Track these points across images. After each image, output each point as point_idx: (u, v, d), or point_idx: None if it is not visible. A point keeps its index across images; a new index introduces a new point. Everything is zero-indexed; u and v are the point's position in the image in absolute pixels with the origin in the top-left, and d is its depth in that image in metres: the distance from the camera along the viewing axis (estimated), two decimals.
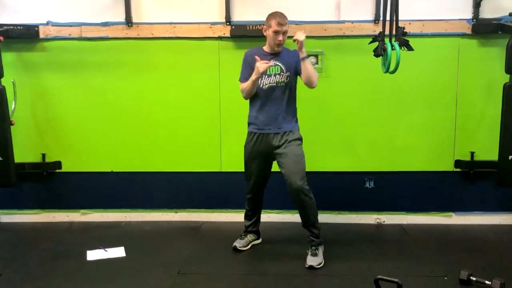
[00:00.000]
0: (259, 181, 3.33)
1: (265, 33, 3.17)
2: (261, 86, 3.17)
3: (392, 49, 2.89)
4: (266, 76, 3.15)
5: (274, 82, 3.14)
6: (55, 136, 3.93)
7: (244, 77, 3.21)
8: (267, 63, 3.06)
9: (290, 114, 3.19)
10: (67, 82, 3.86)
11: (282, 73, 3.14)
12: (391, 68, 2.91)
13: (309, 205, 3.11)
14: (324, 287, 2.85)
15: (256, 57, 3.08)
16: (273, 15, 3.13)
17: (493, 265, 3.11)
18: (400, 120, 3.85)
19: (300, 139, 3.21)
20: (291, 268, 3.08)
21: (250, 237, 3.46)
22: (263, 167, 3.28)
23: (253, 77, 3.07)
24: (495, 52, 3.68)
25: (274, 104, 3.16)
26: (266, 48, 3.20)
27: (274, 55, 3.17)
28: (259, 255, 3.35)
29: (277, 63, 3.15)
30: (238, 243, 3.41)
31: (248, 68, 3.18)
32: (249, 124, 3.29)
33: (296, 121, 3.25)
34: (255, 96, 3.21)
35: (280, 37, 3.07)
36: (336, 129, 3.85)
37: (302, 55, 3.03)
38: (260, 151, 3.22)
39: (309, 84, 3.12)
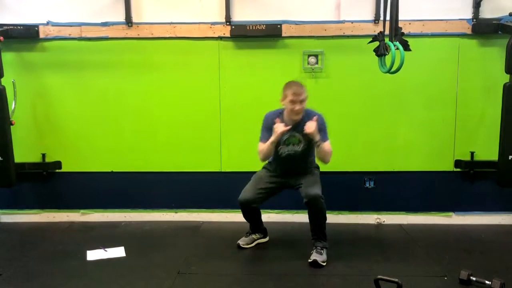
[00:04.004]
0: (257, 195, 3.26)
1: (281, 103, 3.15)
2: (280, 153, 3.22)
3: (396, 49, 2.89)
4: (285, 146, 3.20)
5: (292, 151, 3.19)
6: (55, 136, 3.93)
7: (264, 139, 3.20)
8: (285, 126, 3.09)
9: (308, 163, 3.31)
10: (67, 82, 3.86)
11: (300, 144, 3.19)
12: (394, 68, 2.91)
13: (322, 213, 3.16)
14: (324, 287, 2.85)
15: (277, 119, 3.12)
16: (289, 85, 3.14)
17: (493, 265, 3.11)
18: (400, 120, 3.85)
19: (317, 166, 3.38)
20: (291, 268, 3.08)
21: (254, 235, 3.48)
22: (272, 184, 3.29)
23: (272, 138, 3.10)
24: (495, 52, 3.68)
25: (293, 165, 3.25)
26: (286, 115, 3.18)
27: (293, 124, 3.15)
28: (259, 255, 3.35)
29: (296, 134, 3.16)
30: (241, 241, 3.43)
31: (268, 131, 3.18)
32: (270, 164, 3.36)
33: (314, 162, 3.36)
34: (276, 159, 3.28)
35: (298, 106, 3.07)
36: (336, 129, 3.83)
37: (316, 141, 3.07)
38: (277, 177, 3.31)
39: (322, 162, 3.23)
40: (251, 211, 3.35)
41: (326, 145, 3.13)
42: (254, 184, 3.30)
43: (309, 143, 3.18)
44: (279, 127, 3.07)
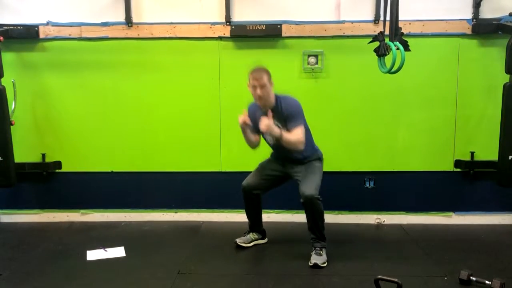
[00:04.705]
0: (258, 180, 3.31)
1: (248, 89, 3.13)
2: (268, 142, 3.24)
3: (396, 49, 2.89)
4: (268, 135, 3.16)
5: (275, 139, 3.14)
6: (55, 136, 3.93)
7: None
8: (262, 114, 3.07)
9: (305, 152, 3.19)
10: (67, 82, 3.86)
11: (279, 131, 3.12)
12: (395, 68, 2.91)
13: (319, 213, 3.13)
14: (324, 287, 2.85)
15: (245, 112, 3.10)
16: (251, 70, 3.12)
17: (493, 265, 3.11)
18: (400, 120, 3.85)
19: (318, 158, 3.29)
20: (291, 268, 3.08)
21: (252, 235, 3.47)
22: (274, 171, 3.31)
23: (241, 130, 3.12)
24: (495, 52, 3.68)
25: (286, 153, 3.20)
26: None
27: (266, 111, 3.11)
28: (259, 255, 3.35)
29: (274, 121, 3.09)
30: (239, 239, 3.42)
31: (252, 121, 3.14)
32: (271, 154, 3.39)
33: (313, 147, 3.27)
34: (269, 145, 3.28)
35: (258, 91, 3.02)
36: (336, 129, 3.85)
37: (276, 136, 3.02)
38: (280, 164, 3.31)
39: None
40: (253, 200, 3.35)
41: (291, 135, 3.01)
42: (257, 171, 3.35)
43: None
44: (240, 118, 3.04)
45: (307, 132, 3.17)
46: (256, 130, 3.19)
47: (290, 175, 3.27)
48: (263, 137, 3.26)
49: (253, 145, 3.27)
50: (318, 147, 3.33)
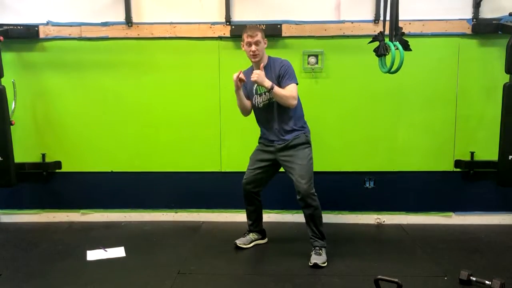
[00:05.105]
0: (253, 176, 3.31)
1: (243, 49, 3.16)
2: (257, 105, 3.22)
3: (396, 49, 2.89)
4: (258, 96, 3.18)
5: (266, 100, 3.16)
6: (55, 136, 3.93)
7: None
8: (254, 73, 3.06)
9: (293, 123, 3.17)
10: (67, 82, 3.86)
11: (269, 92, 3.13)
12: (394, 68, 2.91)
13: (318, 214, 3.14)
14: (324, 286, 2.85)
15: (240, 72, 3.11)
16: (245, 28, 3.18)
17: (493, 265, 3.11)
18: (400, 120, 3.85)
19: (307, 142, 3.21)
20: (291, 268, 3.08)
21: (252, 236, 3.47)
22: (263, 162, 3.29)
23: (235, 88, 3.12)
24: (495, 52, 3.68)
25: (275, 119, 3.17)
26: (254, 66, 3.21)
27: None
28: (259, 255, 3.36)
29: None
30: (238, 240, 3.42)
31: (243, 86, 3.21)
32: (260, 138, 3.36)
33: (302, 126, 3.22)
34: (257, 115, 3.28)
35: (253, 48, 3.06)
36: (336, 129, 3.85)
37: (267, 88, 3.03)
38: (267, 152, 3.27)
39: (286, 106, 3.11)
40: (253, 198, 3.37)
41: (283, 90, 3.04)
42: (249, 167, 3.35)
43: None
44: (234, 75, 3.07)
45: (299, 103, 3.18)
46: (249, 95, 3.23)
47: (279, 162, 3.23)
48: (253, 103, 3.22)
49: (245, 110, 3.26)
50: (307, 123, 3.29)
